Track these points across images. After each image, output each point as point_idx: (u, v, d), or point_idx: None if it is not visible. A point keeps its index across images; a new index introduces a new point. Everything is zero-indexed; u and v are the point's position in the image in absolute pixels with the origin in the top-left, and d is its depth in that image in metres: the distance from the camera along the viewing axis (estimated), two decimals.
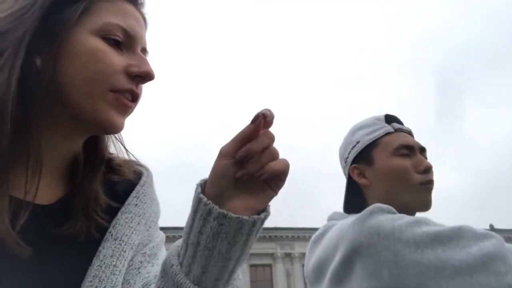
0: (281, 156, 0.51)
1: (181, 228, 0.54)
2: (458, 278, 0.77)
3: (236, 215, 0.48)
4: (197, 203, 0.50)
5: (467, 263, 0.77)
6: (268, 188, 0.52)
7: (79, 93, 0.55)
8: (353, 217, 0.92)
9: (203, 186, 0.52)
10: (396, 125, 1.12)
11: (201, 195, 0.50)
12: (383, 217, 0.88)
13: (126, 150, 0.70)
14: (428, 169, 1.06)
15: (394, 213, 0.92)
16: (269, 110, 0.50)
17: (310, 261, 1.01)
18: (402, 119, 1.18)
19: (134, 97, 0.59)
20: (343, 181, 1.19)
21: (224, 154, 0.50)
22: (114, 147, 0.69)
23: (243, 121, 0.51)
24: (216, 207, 0.49)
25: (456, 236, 0.82)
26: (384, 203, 1.01)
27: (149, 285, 0.62)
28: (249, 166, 0.49)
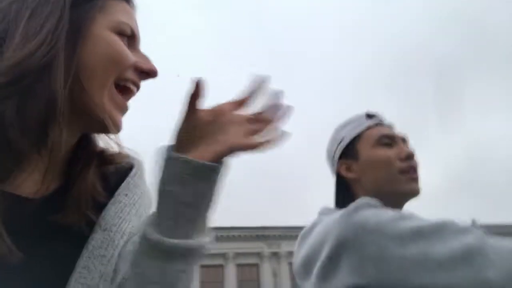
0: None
1: None
2: (438, 271, 0.78)
3: (179, 154, 0.52)
4: (161, 152, 0.54)
5: (447, 257, 0.79)
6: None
7: (93, 86, 0.58)
8: (339, 212, 0.93)
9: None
10: (377, 120, 1.18)
11: (164, 145, 0.55)
12: (368, 212, 0.89)
13: (117, 142, 0.70)
14: (409, 156, 1.09)
15: (379, 207, 0.93)
16: (198, 80, 0.53)
17: (298, 257, 1.02)
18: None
19: (137, 88, 0.65)
20: (331, 179, 1.20)
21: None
22: (102, 141, 0.70)
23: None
24: (171, 151, 0.53)
25: (438, 230, 0.84)
26: (373, 194, 1.04)
27: None
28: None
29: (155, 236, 0.52)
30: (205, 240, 0.55)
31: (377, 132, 1.13)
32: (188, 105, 0.52)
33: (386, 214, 0.88)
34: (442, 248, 0.80)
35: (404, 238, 0.83)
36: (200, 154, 0.52)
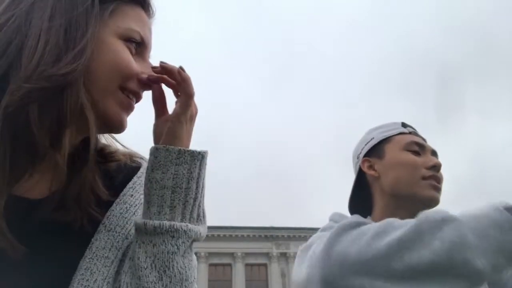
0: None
1: None
2: (429, 282, 0.83)
3: (163, 145, 0.57)
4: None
5: (435, 264, 0.82)
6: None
7: (97, 89, 0.58)
8: (322, 244, 0.95)
9: None
10: (411, 129, 1.18)
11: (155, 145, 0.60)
12: (348, 239, 0.91)
13: (117, 140, 0.71)
14: (436, 166, 1.08)
15: (360, 224, 0.95)
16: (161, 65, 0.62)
17: (297, 274, 1.03)
18: None
19: (137, 101, 0.64)
20: (340, 181, 1.22)
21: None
22: (105, 140, 0.70)
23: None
24: (157, 145, 0.58)
25: (417, 234, 0.85)
26: (389, 195, 1.06)
27: None
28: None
29: (140, 220, 0.55)
30: (195, 227, 0.57)
31: (408, 138, 1.13)
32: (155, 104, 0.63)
33: (364, 237, 0.90)
34: (425, 254, 0.83)
35: (387, 258, 0.85)
36: (180, 143, 0.58)
